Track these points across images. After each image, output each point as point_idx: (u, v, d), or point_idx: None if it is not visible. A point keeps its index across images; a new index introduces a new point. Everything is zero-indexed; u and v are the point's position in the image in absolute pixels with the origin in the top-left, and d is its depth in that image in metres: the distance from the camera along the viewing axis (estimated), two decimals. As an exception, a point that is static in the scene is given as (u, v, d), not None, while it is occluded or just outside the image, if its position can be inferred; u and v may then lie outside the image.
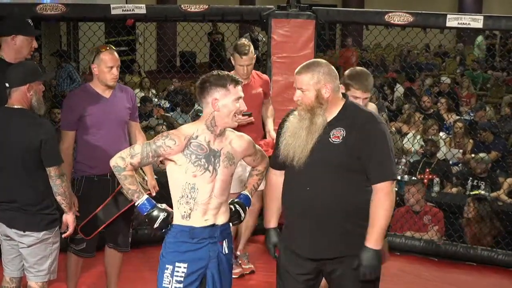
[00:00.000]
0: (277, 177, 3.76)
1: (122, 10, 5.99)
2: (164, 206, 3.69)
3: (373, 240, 3.55)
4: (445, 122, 10.26)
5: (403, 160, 8.56)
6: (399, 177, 7.68)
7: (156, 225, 3.63)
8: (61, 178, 4.08)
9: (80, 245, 4.72)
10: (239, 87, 3.59)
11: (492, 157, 8.56)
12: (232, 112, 3.56)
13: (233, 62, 5.40)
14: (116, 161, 3.63)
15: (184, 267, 3.61)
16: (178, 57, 15.47)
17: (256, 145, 3.90)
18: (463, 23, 5.77)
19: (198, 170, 3.56)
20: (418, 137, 9.04)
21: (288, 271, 3.70)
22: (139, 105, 9.99)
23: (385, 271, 5.23)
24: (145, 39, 8.52)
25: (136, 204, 3.67)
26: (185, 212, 3.61)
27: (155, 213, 3.64)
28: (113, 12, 5.96)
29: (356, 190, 3.57)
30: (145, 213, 3.65)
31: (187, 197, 3.59)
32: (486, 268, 6.08)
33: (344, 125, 3.53)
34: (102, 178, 4.61)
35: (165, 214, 3.64)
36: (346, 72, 4.39)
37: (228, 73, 3.64)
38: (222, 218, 3.69)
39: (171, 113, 11.18)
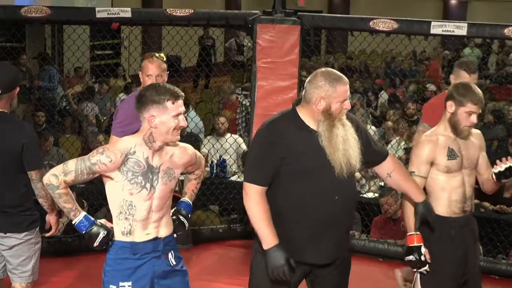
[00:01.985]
0: (264, 194, 3.54)
1: (107, 13, 5.97)
2: (103, 222, 3.54)
3: (422, 193, 3.96)
4: (428, 129, 10.26)
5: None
6: (382, 183, 7.71)
7: (96, 244, 3.47)
8: (42, 181, 4.07)
9: None
10: (179, 102, 3.43)
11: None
12: (171, 129, 3.41)
13: (452, 79, 5.04)
14: (49, 179, 3.46)
15: (129, 285, 3.48)
16: (163, 61, 15.42)
17: (197, 152, 3.77)
18: (447, 30, 5.80)
19: (135, 188, 3.43)
20: (402, 143, 9.06)
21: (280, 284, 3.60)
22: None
23: (369, 277, 5.26)
24: (130, 42, 8.51)
25: (73, 223, 3.50)
26: (125, 228, 3.48)
27: (94, 230, 3.46)
28: (98, 15, 5.94)
29: (356, 188, 3.78)
30: (84, 231, 3.48)
31: (126, 213, 3.46)
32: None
33: None
34: None
35: (105, 231, 3.48)
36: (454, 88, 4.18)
37: (170, 86, 3.48)
38: (165, 231, 3.57)
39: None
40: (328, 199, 3.52)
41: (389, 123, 10.14)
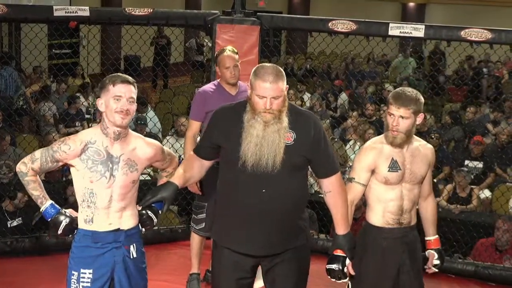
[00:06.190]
0: (195, 159, 3.78)
1: (65, 12, 5.91)
2: (69, 211, 3.66)
3: (345, 226, 3.79)
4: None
5: (347, 169, 8.60)
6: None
7: (59, 231, 3.61)
8: None
9: (200, 225, 5.13)
10: (121, 86, 3.53)
11: (446, 172, 8.77)
12: (113, 111, 3.52)
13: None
14: (19, 167, 3.62)
15: (90, 273, 3.60)
16: (122, 60, 15.34)
17: (166, 149, 3.88)
18: (405, 32, 5.86)
19: (94, 176, 3.56)
20: (359, 144, 9.11)
21: (229, 277, 3.68)
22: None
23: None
24: (88, 42, 8.44)
25: (40, 210, 3.64)
26: (87, 216, 3.61)
27: (58, 218, 3.61)
28: (56, 13, 5.88)
29: (302, 186, 3.70)
30: (49, 219, 3.62)
31: (88, 201, 3.59)
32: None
33: (291, 127, 3.57)
34: None
35: (68, 219, 3.61)
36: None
37: (121, 74, 3.63)
38: (128, 223, 3.67)
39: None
40: (255, 191, 3.55)
41: (349, 122, 10.22)
